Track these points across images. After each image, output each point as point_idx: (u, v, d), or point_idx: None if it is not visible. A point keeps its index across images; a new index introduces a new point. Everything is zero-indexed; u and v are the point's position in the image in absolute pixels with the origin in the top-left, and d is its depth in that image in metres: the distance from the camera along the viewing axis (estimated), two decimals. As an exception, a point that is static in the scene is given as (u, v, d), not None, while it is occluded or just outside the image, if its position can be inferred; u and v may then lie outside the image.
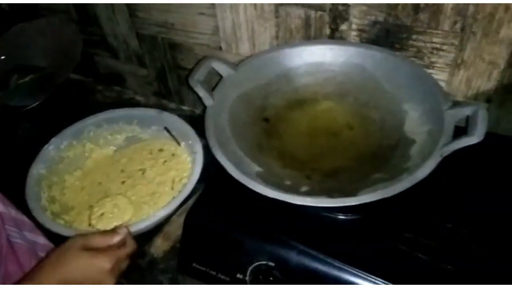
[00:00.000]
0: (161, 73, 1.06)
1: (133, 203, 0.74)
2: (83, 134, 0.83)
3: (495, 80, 0.72)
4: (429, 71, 0.75)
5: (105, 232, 0.65)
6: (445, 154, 0.53)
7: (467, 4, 0.65)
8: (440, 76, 0.75)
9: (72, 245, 0.58)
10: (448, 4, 0.66)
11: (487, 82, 0.73)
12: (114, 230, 0.63)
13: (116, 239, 0.61)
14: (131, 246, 0.63)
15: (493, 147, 0.70)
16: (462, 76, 0.74)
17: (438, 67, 0.75)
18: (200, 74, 0.67)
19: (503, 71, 0.70)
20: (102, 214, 0.72)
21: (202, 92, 0.65)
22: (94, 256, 0.57)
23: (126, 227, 0.64)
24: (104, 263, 0.57)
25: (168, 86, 1.08)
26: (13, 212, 0.63)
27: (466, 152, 0.63)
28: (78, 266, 0.56)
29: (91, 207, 0.73)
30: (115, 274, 0.59)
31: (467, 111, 0.56)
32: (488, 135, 0.77)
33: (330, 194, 0.53)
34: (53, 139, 0.80)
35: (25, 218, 0.66)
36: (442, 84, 0.76)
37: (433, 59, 0.74)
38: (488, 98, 0.75)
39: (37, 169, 0.75)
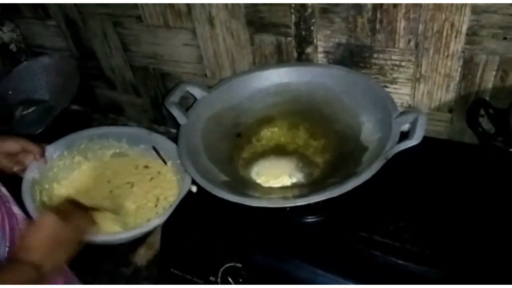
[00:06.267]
0: (155, 101, 1.14)
1: (119, 214, 0.79)
2: (74, 146, 0.90)
3: (453, 92, 0.77)
4: (393, 86, 0.81)
5: None
6: (389, 157, 0.58)
7: (417, 23, 0.71)
8: (403, 90, 0.81)
9: None
10: (400, 24, 0.73)
11: (446, 94, 0.78)
12: None
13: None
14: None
15: (458, 154, 0.75)
16: (423, 89, 0.79)
17: (400, 82, 0.80)
18: (175, 97, 0.74)
19: (458, 83, 0.75)
20: None
21: (176, 112, 0.72)
22: None
23: None
24: None
25: (163, 113, 1.16)
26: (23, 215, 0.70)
27: (429, 159, 0.69)
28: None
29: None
30: None
31: (410, 118, 0.61)
32: (453, 143, 0.82)
33: (286, 197, 0.58)
34: (48, 147, 0.86)
35: None
36: (406, 97, 0.82)
37: (394, 75, 0.80)
38: (450, 109, 0.79)
39: (32, 173, 0.81)
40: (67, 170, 0.89)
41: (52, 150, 0.87)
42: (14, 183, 0.78)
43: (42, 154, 0.84)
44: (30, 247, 0.59)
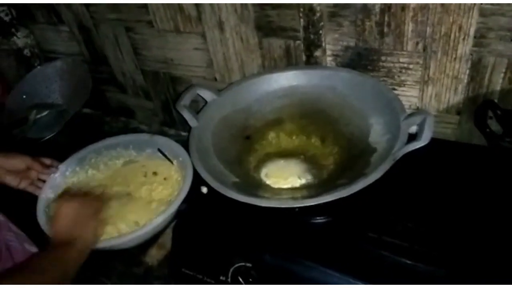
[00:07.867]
0: (165, 104, 1.16)
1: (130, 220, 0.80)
2: (85, 160, 0.92)
3: (461, 94, 0.77)
4: (401, 88, 0.82)
5: None
6: (397, 158, 0.59)
7: (425, 26, 0.72)
8: (411, 92, 0.81)
9: None
10: (408, 27, 0.73)
11: (454, 96, 0.78)
12: None
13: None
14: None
15: (466, 156, 0.75)
16: (431, 92, 0.80)
17: (408, 85, 0.81)
18: (186, 100, 0.76)
19: (467, 85, 0.76)
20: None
21: (187, 115, 0.74)
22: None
23: None
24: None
25: (173, 116, 1.17)
26: (13, 227, 0.74)
27: (438, 160, 0.69)
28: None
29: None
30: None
31: (418, 119, 0.62)
32: (461, 145, 0.82)
33: (295, 198, 0.59)
34: (60, 166, 0.89)
35: (23, 234, 0.77)
36: (414, 100, 0.82)
37: (402, 78, 0.80)
38: (458, 111, 0.80)
39: (46, 193, 0.84)
40: (83, 185, 0.90)
41: (63, 168, 0.89)
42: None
43: (48, 169, 0.87)
44: (58, 232, 0.68)
